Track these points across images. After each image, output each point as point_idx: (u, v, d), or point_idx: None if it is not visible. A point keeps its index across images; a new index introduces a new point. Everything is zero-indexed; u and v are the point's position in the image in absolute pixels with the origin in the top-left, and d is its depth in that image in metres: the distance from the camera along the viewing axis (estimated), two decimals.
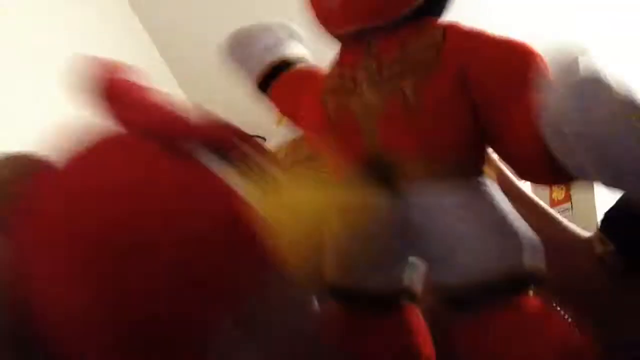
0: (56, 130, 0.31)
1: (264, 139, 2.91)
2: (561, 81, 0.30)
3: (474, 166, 0.36)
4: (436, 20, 0.39)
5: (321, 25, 0.41)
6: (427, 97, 0.34)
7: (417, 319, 0.39)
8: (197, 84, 2.60)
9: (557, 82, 0.30)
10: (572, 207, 3.02)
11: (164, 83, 2.41)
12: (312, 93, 0.41)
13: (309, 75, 0.45)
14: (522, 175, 0.37)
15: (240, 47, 0.50)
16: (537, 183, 0.42)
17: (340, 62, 0.40)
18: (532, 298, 0.33)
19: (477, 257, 0.33)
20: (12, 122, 1.15)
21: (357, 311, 0.37)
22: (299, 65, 0.47)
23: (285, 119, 0.52)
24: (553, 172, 0.32)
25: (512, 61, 0.34)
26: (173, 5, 1.90)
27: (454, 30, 0.37)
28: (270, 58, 0.47)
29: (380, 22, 0.37)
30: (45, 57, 1.32)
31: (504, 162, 0.40)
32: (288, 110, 0.47)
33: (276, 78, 0.46)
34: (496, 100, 0.34)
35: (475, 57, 0.35)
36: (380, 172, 0.35)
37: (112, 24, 1.78)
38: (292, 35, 0.49)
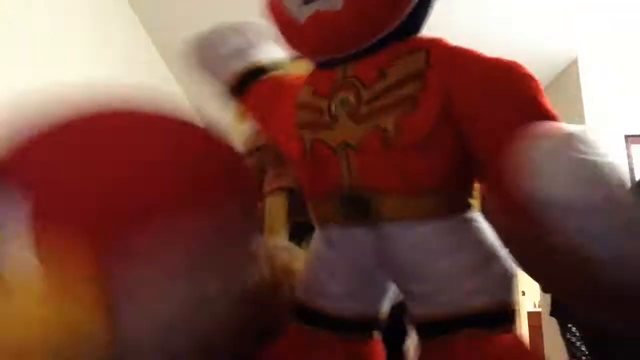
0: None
1: None
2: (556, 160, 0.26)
3: (460, 200, 0.34)
4: (416, 37, 0.37)
5: (293, 49, 0.39)
6: (409, 132, 0.32)
7: (381, 352, 0.38)
8: (196, 83, 2.58)
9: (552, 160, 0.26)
10: None
11: (164, 82, 2.42)
12: (287, 106, 0.39)
13: (282, 86, 0.43)
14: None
15: (209, 49, 0.49)
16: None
17: (315, 91, 0.38)
18: (510, 335, 0.32)
19: (460, 294, 0.32)
20: None
21: (326, 335, 0.36)
22: (271, 74, 0.45)
23: (246, 118, 0.52)
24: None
25: (500, 81, 0.32)
26: (173, 5, 1.90)
27: (438, 50, 0.34)
28: (243, 63, 0.46)
29: (353, 49, 0.35)
30: (44, 58, 1.32)
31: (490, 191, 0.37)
32: (260, 116, 0.46)
33: (249, 85, 0.45)
34: (482, 121, 0.32)
35: (461, 78, 0.33)
36: (357, 205, 0.33)
37: (112, 24, 1.78)
38: (263, 37, 0.47)
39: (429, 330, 0.33)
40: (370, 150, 0.33)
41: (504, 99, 0.32)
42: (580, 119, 2.25)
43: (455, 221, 0.34)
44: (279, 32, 0.39)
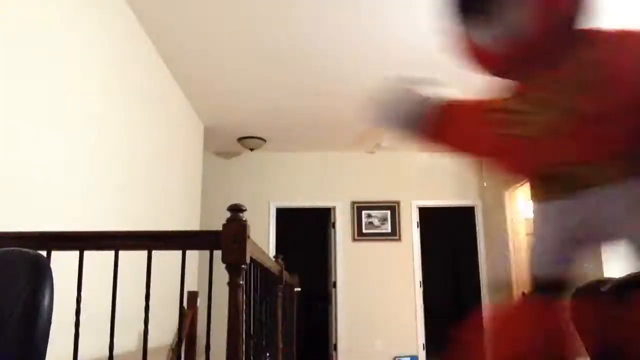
0: None
1: (264, 140, 2.89)
2: None
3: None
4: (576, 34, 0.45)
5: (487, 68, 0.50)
6: (604, 106, 0.37)
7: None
8: (196, 84, 2.59)
9: None
10: None
11: (164, 83, 2.41)
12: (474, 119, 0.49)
13: (464, 106, 0.55)
14: None
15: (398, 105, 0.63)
16: None
17: (516, 94, 0.45)
18: None
19: None
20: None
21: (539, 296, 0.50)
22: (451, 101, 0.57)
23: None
24: None
25: None
26: (173, 5, 1.90)
27: (600, 37, 0.42)
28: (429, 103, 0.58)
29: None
30: (45, 59, 1.32)
31: None
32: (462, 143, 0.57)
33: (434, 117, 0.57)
34: None
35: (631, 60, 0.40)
36: (556, 182, 0.40)
37: (111, 24, 1.78)
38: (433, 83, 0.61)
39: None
40: (566, 130, 0.38)
41: None
42: None
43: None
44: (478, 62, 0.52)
